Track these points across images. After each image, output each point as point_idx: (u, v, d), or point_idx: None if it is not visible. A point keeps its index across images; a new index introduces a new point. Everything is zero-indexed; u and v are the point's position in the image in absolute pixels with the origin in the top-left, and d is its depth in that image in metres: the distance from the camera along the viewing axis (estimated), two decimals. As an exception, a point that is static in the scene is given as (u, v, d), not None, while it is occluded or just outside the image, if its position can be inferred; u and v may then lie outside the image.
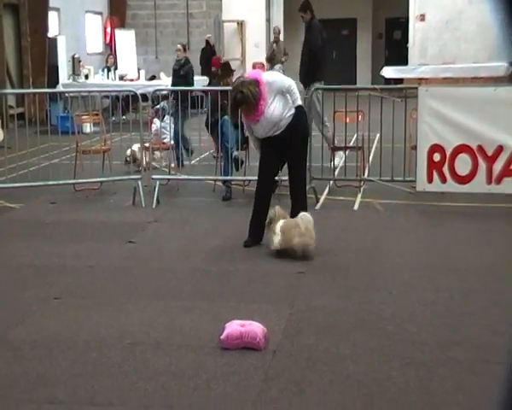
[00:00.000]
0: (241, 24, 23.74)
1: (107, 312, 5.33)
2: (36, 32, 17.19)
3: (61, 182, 9.25)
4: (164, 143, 10.00)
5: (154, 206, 8.68)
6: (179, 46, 12.53)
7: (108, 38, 21.68)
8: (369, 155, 9.79)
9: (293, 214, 6.69)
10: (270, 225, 6.64)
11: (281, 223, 6.60)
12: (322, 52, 10.85)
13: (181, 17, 22.28)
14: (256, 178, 9.38)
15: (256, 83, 6.60)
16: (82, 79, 17.56)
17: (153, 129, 10.05)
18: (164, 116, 10.24)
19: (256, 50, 23.57)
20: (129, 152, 9.93)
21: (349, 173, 9.34)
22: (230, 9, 23.27)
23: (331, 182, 9.32)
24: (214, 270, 6.31)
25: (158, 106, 10.54)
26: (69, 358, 4.51)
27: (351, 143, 10.19)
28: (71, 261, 6.47)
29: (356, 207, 8.63)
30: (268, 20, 23.89)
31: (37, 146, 10.11)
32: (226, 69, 10.14)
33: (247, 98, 6.55)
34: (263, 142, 6.92)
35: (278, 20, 23.97)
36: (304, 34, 11.25)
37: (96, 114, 10.41)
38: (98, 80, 17.23)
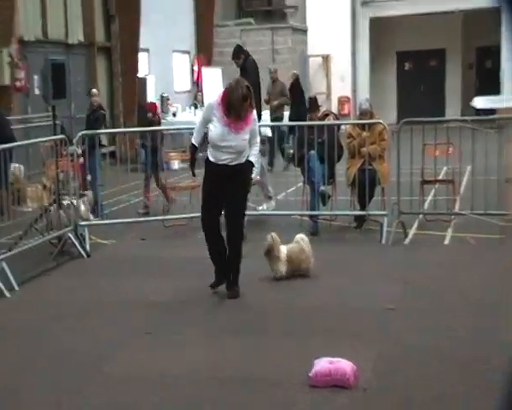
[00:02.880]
0: (326, 58, 23.84)
1: (196, 348, 5.36)
2: (127, 72, 17.76)
3: (150, 218, 9.42)
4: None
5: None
6: (94, 90, 11.90)
7: (196, 75, 22.15)
8: (460, 188, 9.53)
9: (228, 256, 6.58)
10: (270, 253, 6.70)
11: (284, 250, 6.71)
12: (258, 90, 10.84)
13: (266, 53, 22.52)
14: (343, 212, 9.37)
15: None
16: (170, 117, 17.97)
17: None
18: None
19: (341, 84, 23.60)
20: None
21: (439, 207, 9.12)
22: (316, 44, 23.43)
23: (420, 216, 9.13)
24: (302, 306, 6.25)
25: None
26: (160, 393, 4.54)
27: (441, 177, 9.97)
28: (161, 297, 6.55)
29: (447, 241, 8.40)
30: (353, 53, 23.89)
31: (128, 183, 10.36)
32: (313, 104, 10.14)
33: (251, 95, 6.39)
34: (209, 175, 6.60)
35: (364, 52, 23.93)
36: (240, 73, 11.26)
37: (184, 151, 10.60)
38: (186, 117, 17.59)
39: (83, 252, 8.31)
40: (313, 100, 10.41)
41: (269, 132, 14.14)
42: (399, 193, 8.62)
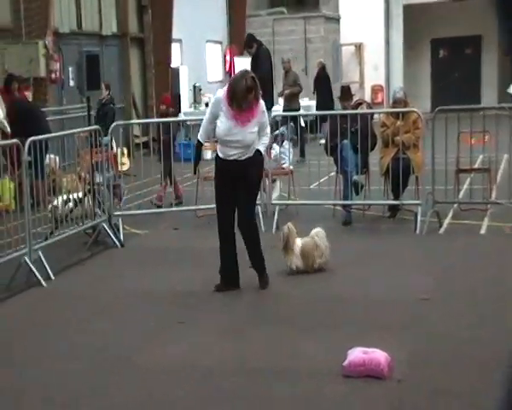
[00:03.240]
0: (359, 47, 23.67)
1: (228, 338, 5.37)
2: (160, 63, 17.82)
3: (183, 208, 9.45)
4: (283, 168, 10.04)
5: (273, 231, 8.69)
6: (102, 85, 11.72)
7: (228, 65, 22.15)
8: (496, 177, 9.40)
9: (248, 252, 6.52)
10: (286, 244, 6.71)
11: (299, 244, 6.72)
12: (270, 78, 10.97)
13: (299, 42, 22.43)
14: (377, 202, 9.30)
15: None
16: (203, 107, 18.01)
17: (272, 155, 10.11)
18: (283, 141, 10.28)
19: (375, 73, 23.40)
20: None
21: (475, 196, 9.01)
22: (348, 33, 23.25)
23: (455, 205, 9.02)
24: (334, 296, 6.23)
25: (277, 131, 10.60)
26: (192, 383, 4.56)
27: (476, 165, 9.83)
28: (193, 287, 6.57)
29: (483, 231, 8.29)
30: (387, 42, 23.66)
31: (161, 174, 10.40)
32: (346, 93, 10.06)
33: (256, 87, 6.20)
34: (219, 171, 6.52)
35: (398, 41, 23.69)
36: (252, 61, 11.31)
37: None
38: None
39: (117, 242, 8.38)
40: (346, 89, 10.31)
41: (302, 122, 14.06)
42: (434, 182, 8.53)
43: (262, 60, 11.04)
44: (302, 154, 14.40)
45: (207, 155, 13.29)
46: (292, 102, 15.12)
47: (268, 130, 6.59)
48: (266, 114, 6.56)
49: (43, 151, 7.66)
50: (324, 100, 17.60)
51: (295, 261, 6.76)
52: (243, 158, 6.33)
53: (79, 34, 15.39)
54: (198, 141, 6.71)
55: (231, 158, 6.35)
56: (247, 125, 6.25)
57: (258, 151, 6.42)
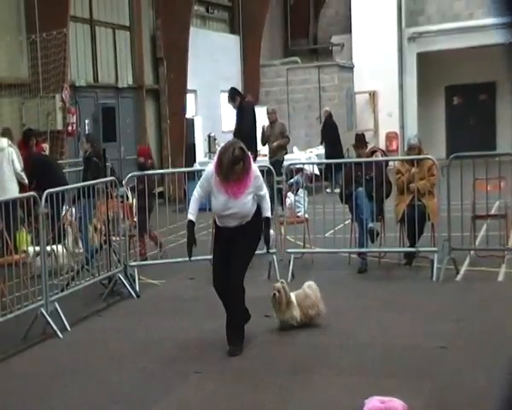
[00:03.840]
0: (373, 94, 23.83)
1: (245, 386, 5.33)
2: (175, 114, 18.05)
3: (198, 258, 9.45)
4: (298, 216, 10.05)
5: (289, 280, 8.67)
6: (83, 138, 11.36)
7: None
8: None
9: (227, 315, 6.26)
10: (287, 300, 6.52)
11: (293, 297, 6.61)
12: (253, 132, 11.36)
13: (313, 91, 22.65)
14: (392, 249, 9.26)
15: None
16: (218, 157, 18.13)
17: (287, 203, 10.14)
18: (298, 190, 10.32)
19: (389, 120, 23.51)
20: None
21: (492, 242, 8.95)
22: (362, 81, 23.45)
23: (472, 252, 8.96)
24: (351, 343, 6.18)
25: (292, 180, 10.65)
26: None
27: (493, 211, 9.79)
28: (209, 336, 6.54)
29: (500, 278, 8.22)
30: (401, 89, 23.82)
31: (176, 223, 10.44)
32: (360, 141, 10.12)
33: (246, 157, 5.99)
34: (218, 236, 6.43)
35: (412, 88, 23.83)
36: (236, 115, 11.65)
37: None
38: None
39: (132, 292, 8.39)
40: (361, 136, 10.37)
41: (316, 170, 14.09)
42: (450, 229, 8.50)
43: (245, 114, 11.27)
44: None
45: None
46: (277, 153, 14.69)
47: (264, 190, 6.32)
48: (260, 176, 6.29)
49: (59, 203, 7.73)
50: (332, 149, 17.58)
51: (296, 314, 6.59)
52: (242, 224, 6.21)
53: (96, 87, 15.65)
54: (189, 221, 6.31)
55: (230, 226, 6.22)
56: (240, 197, 6.09)
57: (265, 218, 6.25)
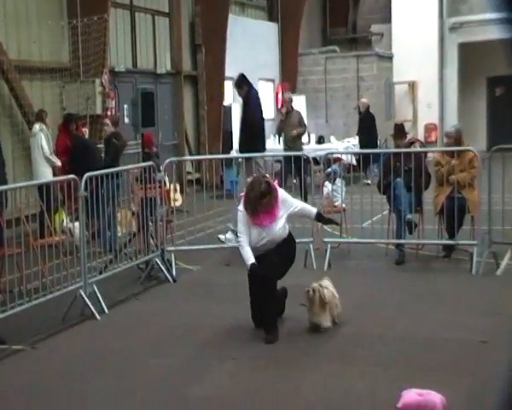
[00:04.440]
0: (412, 85, 23.58)
1: (281, 373, 5.32)
2: (212, 100, 18.05)
3: (236, 244, 9.45)
4: (335, 206, 10.00)
5: (325, 269, 8.64)
6: (107, 121, 11.34)
7: (280, 103, 22.30)
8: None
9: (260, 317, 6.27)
10: (322, 304, 6.21)
11: (326, 296, 6.25)
12: (260, 124, 10.92)
13: (351, 80, 22.48)
14: (431, 241, 9.16)
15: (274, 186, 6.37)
16: (255, 145, 18.10)
17: (324, 192, 10.09)
18: (335, 179, 10.26)
19: (428, 111, 23.23)
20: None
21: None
22: (401, 71, 23.20)
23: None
24: (389, 335, 6.13)
25: (329, 169, 10.59)
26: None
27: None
28: (245, 322, 6.55)
29: (542, 272, 8.08)
30: (441, 80, 23.51)
31: (213, 210, 10.47)
32: (399, 131, 10.02)
33: (273, 190, 6.22)
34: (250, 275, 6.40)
35: (452, 79, 23.52)
36: (243, 104, 11.23)
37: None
38: (270, 145, 17.67)
39: (169, 277, 8.44)
40: (400, 127, 10.27)
41: (353, 161, 13.99)
42: (490, 222, 8.37)
43: (253, 104, 10.86)
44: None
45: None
46: (296, 143, 14.36)
47: (296, 204, 6.56)
48: (287, 198, 6.46)
49: (99, 187, 7.80)
50: (369, 139, 17.41)
51: (323, 322, 6.26)
52: (271, 248, 6.31)
53: (134, 72, 15.73)
54: (252, 264, 6.18)
55: (262, 253, 6.30)
56: (272, 225, 6.28)
57: (317, 215, 6.68)
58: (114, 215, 9.81)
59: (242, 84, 10.98)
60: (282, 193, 6.47)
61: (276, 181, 7.85)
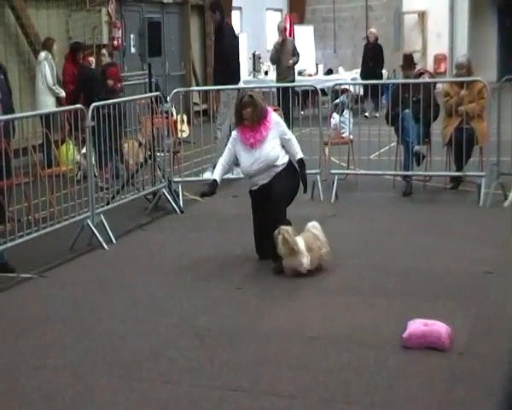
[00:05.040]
0: (422, 15, 23.16)
1: (287, 304, 5.38)
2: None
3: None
4: (343, 137, 9.94)
5: (332, 200, 8.66)
6: (103, 51, 11.25)
7: (288, 33, 21.95)
8: None
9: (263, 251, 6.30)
10: (290, 248, 5.86)
11: (301, 241, 5.93)
12: (233, 56, 10.33)
13: (360, 10, 22.08)
14: (439, 173, 9.13)
15: (265, 103, 6.32)
16: (262, 76, 17.94)
17: (332, 123, 10.03)
18: (343, 110, 10.18)
19: (438, 41, 22.87)
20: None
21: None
22: (411, 0, 22.74)
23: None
24: (395, 266, 6.17)
25: (337, 100, 10.50)
26: (251, 347, 4.59)
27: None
28: (252, 253, 6.58)
29: (550, 203, 8.07)
30: (451, 9, 23.06)
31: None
32: (408, 61, 9.87)
33: (255, 103, 6.15)
34: (253, 203, 6.47)
35: (463, 8, 23.05)
36: (215, 36, 10.73)
37: (276, 109, 10.54)
38: (270, 76, 17.48)
39: (176, 208, 8.47)
40: (409, 57, 10.11)
41: (361, 91, 13.84)
42: (499, 153, 8.33)
43: (225, 34, 10.26)
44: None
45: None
46: (289, 73, 14.19)
47: (289, 134, 6.40)
48: (281, 124, 6.37)
49: (105, 117, 7.76)
50: (374, 69, 16.79)
51: (304, 261, 5.95)
52: (271, 178, 6.26)
53: (141, 1, 15.46)
54: (213, 180, 6.39)
55: (261, 184, 6.30)
56: (263, 145, 6.22)
57: (299, 161, 6.31)
58: (116, 146, 9.66)
59: (215, 8, 10.40)
60: (275, 116, 6.39)
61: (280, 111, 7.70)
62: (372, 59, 17.33)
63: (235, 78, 10.40)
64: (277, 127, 6.32)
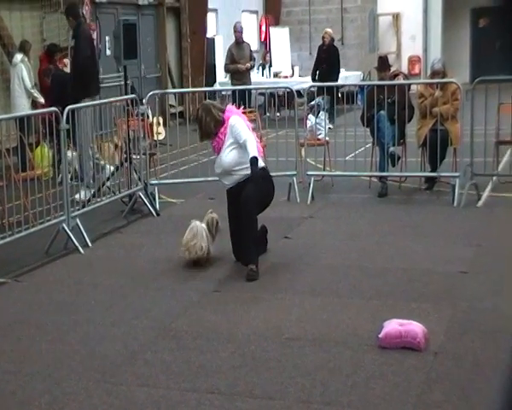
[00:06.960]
0: (396, 16, 23.33)
1: (264, 306, 5.39)
2: (195, 33, 17.76)
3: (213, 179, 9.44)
4: (319, 139, 9.98)
5: (308, 202, 8.69)
6: (66, 60, 10.85)
7: (263, 36, 21.99)
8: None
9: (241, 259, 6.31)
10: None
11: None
12: (91, 64, 9.36)
13: (335, 12, 22.16)
14: (414, 174, 9.20)
15: (222, 111, 6.33)
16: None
17: (307, 125, 10.06)
18: (319, 112, 10.22)
19: (412, 43, 23.05)
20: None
21: (514, 169, 8.86)
22: (385, 2, 22.91)
23: (494, 178, 8.89)
24: (371, 267, 6.20)
25: (313, 102, 10.53)
26: (228, 350, 4.59)
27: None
28: (229, 255, 6.58)
29: (522, 204, 8.17)
30: (425, 11, 23.25)
31: (197, 143, 10.40)
32: (383, 63, 9.94)
33: (209, 111, 6.27)
34: (227, 202, 6.59)
35: (436, 10, 23.25)
36: (75, 44, 9.50)
37: (252, 111, 10.57)
38: (253, 78, 17.49)
39: (152, 211, 8.44)
40: (384, 59, 10.19)
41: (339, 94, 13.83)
42: (473, 154, 8.41)
43: (81, 42, 9.25)
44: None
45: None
46: (246, 77, 13.89)
47: (244, 137, 6.16)
48: (235, 127, 6.21)
49: (80, 119, 7.71)
50: (330, 72, 15.88)
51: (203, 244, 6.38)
52: (239, 181, 6.29)
53: (116, 3, 15.39)
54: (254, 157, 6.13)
55: (231, 186, 6.42)
56: (223, 151, 6.32)
57: (252, 158, 6.05)
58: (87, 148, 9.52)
59: (69, 13, 9.51)
60: (232, 120, 6.26)
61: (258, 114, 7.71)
62: (326, 61, 15.95)
63: (95, 90, 9.45)
64: (232, 132, 6.25)
